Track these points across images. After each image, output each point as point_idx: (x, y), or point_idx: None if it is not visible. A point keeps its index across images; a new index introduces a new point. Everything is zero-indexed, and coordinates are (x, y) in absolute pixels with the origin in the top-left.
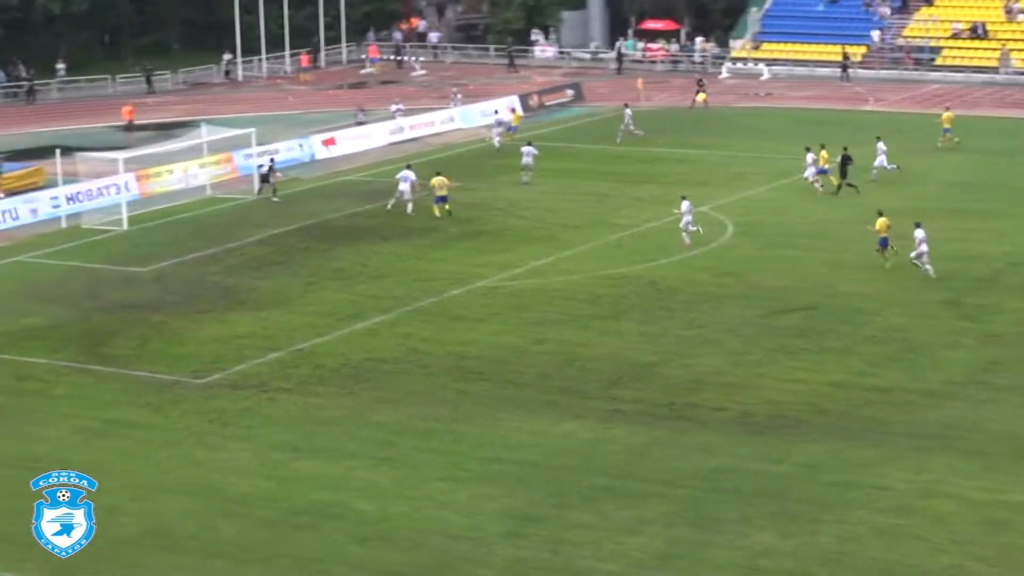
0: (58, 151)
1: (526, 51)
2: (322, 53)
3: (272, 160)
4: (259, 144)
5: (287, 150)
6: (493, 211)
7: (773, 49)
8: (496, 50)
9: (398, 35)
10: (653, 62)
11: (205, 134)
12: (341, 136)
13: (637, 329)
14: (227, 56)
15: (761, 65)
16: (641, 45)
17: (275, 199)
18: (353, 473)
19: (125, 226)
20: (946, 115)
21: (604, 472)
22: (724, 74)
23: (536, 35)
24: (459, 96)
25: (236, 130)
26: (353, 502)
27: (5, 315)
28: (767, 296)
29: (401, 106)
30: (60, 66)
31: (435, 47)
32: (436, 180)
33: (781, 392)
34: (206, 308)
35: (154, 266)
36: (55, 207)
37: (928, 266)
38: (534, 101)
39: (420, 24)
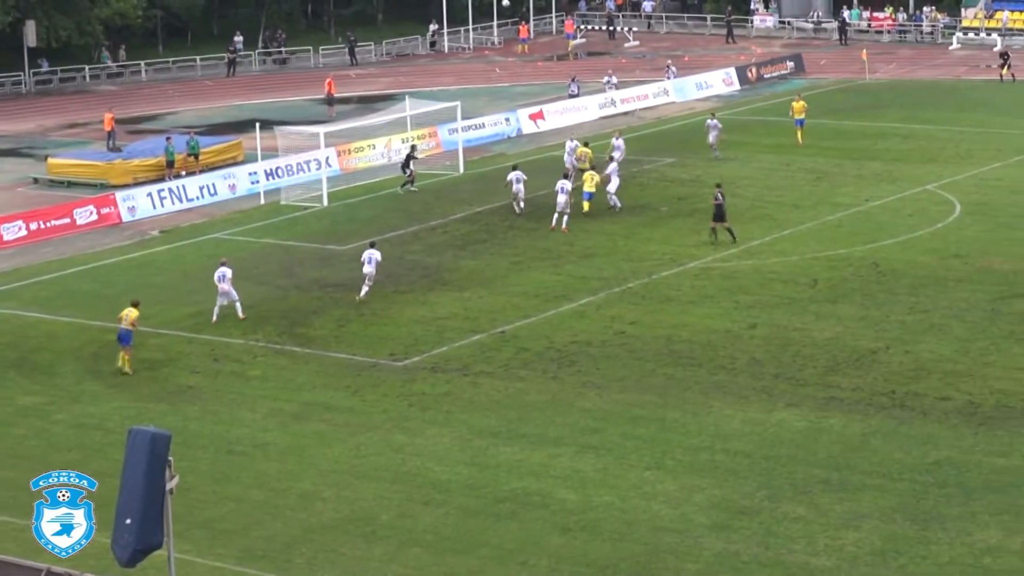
0: (257, 125)
1: (745, 21)
2: (531, 24)
3: (413, 147)
4: (464, 118)
5: (493, 124)
6: (707, 188)
7: (1008, 18)
8: (713, 20)
9: (610, 4)
10: (879, 32)
11: (409, 107)
12: (549, 109)
13: (857, 313)
14: (433, 26)
15: (994, 36)
16: (866, 14)
17: (412, 188)
18: (556, 461)
19: (325, 202)
20: (797, 105)
21: (819, 463)
22: (954, 45)
23: (756, 4)
24: (673, 68)
25: (440, 103)
26: (556, 491)
27: (201, 294)
28: (997, 280)
29: (614, 79)
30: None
31: (649, 17)
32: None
33: (1010, 381)
34: (407, 288)
35: (354, 244)
36: (254, 183)
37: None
38: (752, 74)
39: None
